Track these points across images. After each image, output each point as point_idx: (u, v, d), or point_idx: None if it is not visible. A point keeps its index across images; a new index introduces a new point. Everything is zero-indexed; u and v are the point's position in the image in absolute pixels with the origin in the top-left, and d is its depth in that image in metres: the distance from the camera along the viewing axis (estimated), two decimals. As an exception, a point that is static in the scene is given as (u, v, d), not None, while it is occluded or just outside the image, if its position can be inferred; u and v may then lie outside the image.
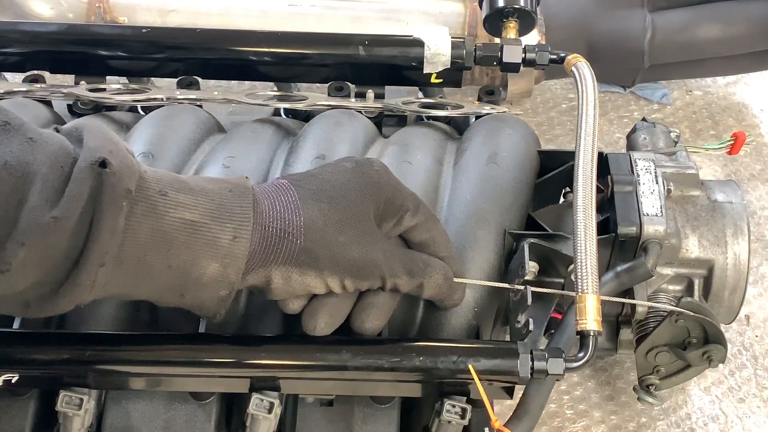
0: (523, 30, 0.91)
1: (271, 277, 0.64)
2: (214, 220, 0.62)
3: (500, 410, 0.80)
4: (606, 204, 0.83)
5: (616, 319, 0.90)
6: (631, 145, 0.95)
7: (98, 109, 0.92)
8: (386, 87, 0.93)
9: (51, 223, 0.55)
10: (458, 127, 0.93)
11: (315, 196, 0.65)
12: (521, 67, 0.88)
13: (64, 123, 0.87)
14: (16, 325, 0.72)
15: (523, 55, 0.87)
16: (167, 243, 0.60)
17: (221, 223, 0.62)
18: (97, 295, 0.60)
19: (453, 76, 0.91)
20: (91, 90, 0.91)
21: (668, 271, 0.86)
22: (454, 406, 0.70)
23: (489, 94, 0.95)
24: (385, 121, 0.93)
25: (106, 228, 0.57)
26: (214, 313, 0.65)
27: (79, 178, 0.57)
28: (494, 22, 0.91)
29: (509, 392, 0.72)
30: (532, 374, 0.68)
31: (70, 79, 0.93)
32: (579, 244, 0.70)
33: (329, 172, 0.68)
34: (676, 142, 0.94)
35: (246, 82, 1.09)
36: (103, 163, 0.57)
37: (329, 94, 0.92)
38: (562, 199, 0.88)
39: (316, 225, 0.64)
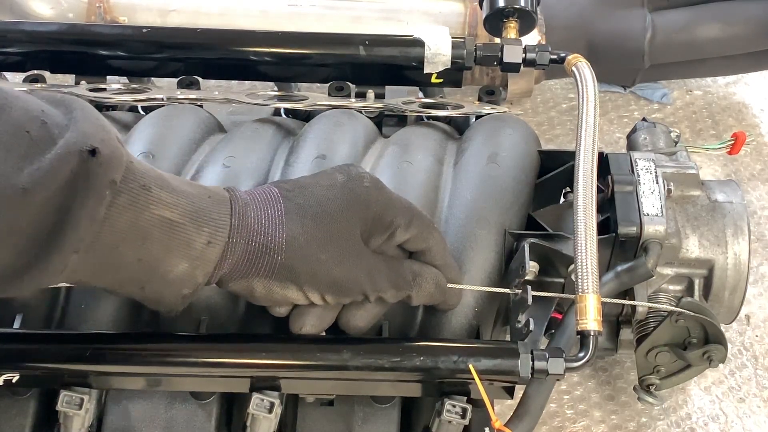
0: (524, 30, 0.91)
1: (253, 287, 0.65)
2: (192, 222, 0.62)
3: (500, 410, 0.80)
4: (606, 204, 0.83)
5: (616, 319, 0.90)
6: (631, 145, 0.95)
7: (98, 108, 0.91)
8: (386, 87, 0.93)
9: (19, 194, 0.54)
10: (458, 127, 0.93)
11: (300, 211, 0.66)
12: (521, 67, 0.88)
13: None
14: (16, 325, 0.72)
15: (524, 55, 0.87)
16: (142, 237, 0.60)
17: (198, 226, 0.62)
18: (63, 280, 0.60)
19: (453, 76, 0.91)
20: (91, 90, 0.91)
21: (668, 271, 0.86)
22: (454, 406, 0.70)
23: (489, 94, 0.95)
24: (386, 121, 0.93)
25: (86, 215, 0.56)
26: (172, 308, 0.65)
27: (62, 156, 0.55)
28: (494, 22, 0.91)
29: (509, 392, 0.72)
30: (532, 374, 0.68)
31: (70, 79, 0.93)
32: (579, 244, 0.70)
33: (320, 185, 0.68)
34: (676, 142, 0.94)
35: (246, 82, 1.09)
36: (93, 152, 0.56)
37: (329, 94, 0.92)
38: (562, 199, 0.88)
39: (298, 242, 0.65)
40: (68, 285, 0.63)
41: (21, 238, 0.56)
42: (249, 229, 0.64)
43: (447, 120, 0.93)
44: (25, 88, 0.90)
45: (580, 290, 0.69)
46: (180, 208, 0.61)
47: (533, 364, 0.68)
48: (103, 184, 0.57)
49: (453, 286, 0.72)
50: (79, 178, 0.56)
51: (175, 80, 0.92)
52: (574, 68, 0.82)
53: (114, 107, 0.92)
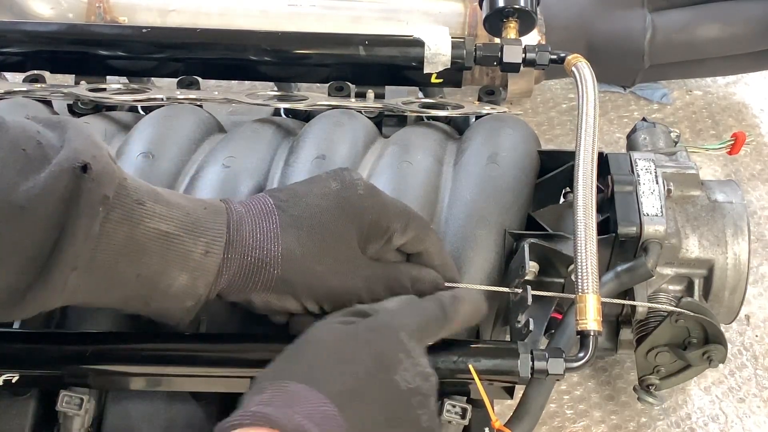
0: (524, 30, 0.91)
1: (252, 300, 0.66)
2: (188, 233, 0.62)
3: (500, 410, 0.80)
4: (606, 204, 0.83)
5: (616, 319, 0.90)
6: (631, 145, 0.96)
7: (98, 109, 0.92)
8: (386, 87, 0.93)
9: (17, 212, 0.55)
10: (458, 127, 0.93)
11: (295, 222, 0.66)
12: (521, 67, 0.88)
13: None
14: (16, 325, 0.72)
15: (523, 55, 0.87)
16: (139, 251, 0.60)
17: (195, 237, 0.62)
18: (66, 300, 0.60)
19: (453, 76, 0.91)
20: (91, 90, 0.91)
21: (668, 271, 0.86)
22: (454, 406, 0.70)
23: (489, 94, 0.95)
24: (386, 121, 0.93)
25: (81, 231, 0.57)
26: (178, 321, 0.66)
27: (55, 173, 0.56)
28: (494, 22, 0.91)
29: (509, 392, 0.72)
30: (532, 374, 0.68)
31: (70, 79, 0.93)
32: (579, 244, 0.70)
33: (314, 194, 0.67)
34: (676, 142, 0.94)
35: (246, 82, 1.09)
36: (85, 168, 0.57)
37: (329, 94, 0.92)
38: (562, 199, 0.88)
39: (294, 255, 0.65)
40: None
41: (21, 257, 0.56)
42: (244, 244, 0.64)
43: (447, 120, 0.93)
44: (25, 88, 0.90)
45: (580, 290, 0.69)
46: (175, 220, 0.62)
47: (533, 364, 0.68)
48: (96, 200, 0.57)
49: (451, 285, 0.72)
50: (73, 195, 0.56)
51: (175, 80, 0.92)
52: (574, 68, 0.82)
53: (114, 107, 0.92)
